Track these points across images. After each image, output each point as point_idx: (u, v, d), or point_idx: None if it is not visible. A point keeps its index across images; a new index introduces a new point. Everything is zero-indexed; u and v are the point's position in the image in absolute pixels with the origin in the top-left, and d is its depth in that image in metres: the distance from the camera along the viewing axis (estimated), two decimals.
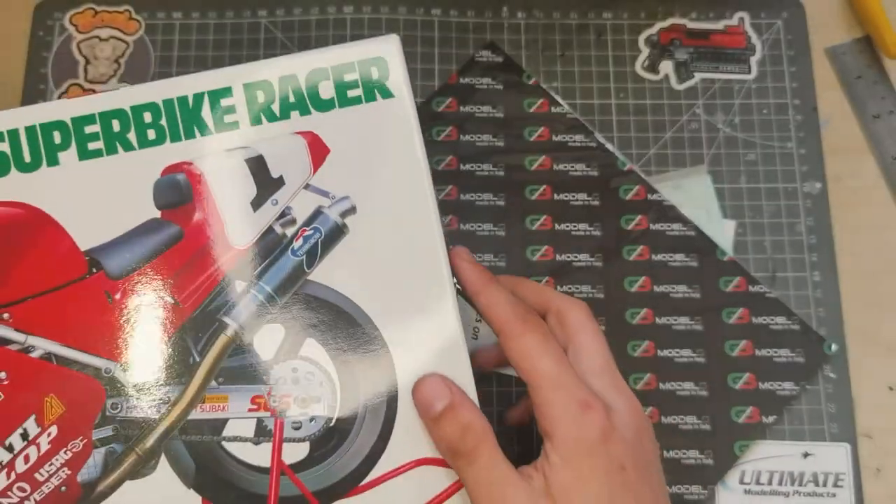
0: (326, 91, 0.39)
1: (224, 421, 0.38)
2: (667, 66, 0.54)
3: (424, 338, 0.38)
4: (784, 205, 0.51)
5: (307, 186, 0.38)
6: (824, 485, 0.47)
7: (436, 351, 0.38)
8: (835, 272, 0.50)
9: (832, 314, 0.50)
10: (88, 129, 0.38)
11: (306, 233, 0.38)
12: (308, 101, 0.39)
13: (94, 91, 0.52)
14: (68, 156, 0.38)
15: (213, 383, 0.38)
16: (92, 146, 0.38)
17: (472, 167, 0.51)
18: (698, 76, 0.54)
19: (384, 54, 0.39)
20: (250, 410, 0.38)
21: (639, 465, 0.35)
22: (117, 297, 0.38)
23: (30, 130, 0.38)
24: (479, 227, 0.50)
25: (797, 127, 0.53)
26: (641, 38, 0.55)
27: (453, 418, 0.35)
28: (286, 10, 0.54)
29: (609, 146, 0.52)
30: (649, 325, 0.48)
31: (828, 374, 0.49)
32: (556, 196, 0.50)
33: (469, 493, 0.35)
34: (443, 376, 0.37)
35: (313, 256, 0.38)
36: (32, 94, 0.52)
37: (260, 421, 0.38)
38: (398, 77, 0.39)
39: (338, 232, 0.38)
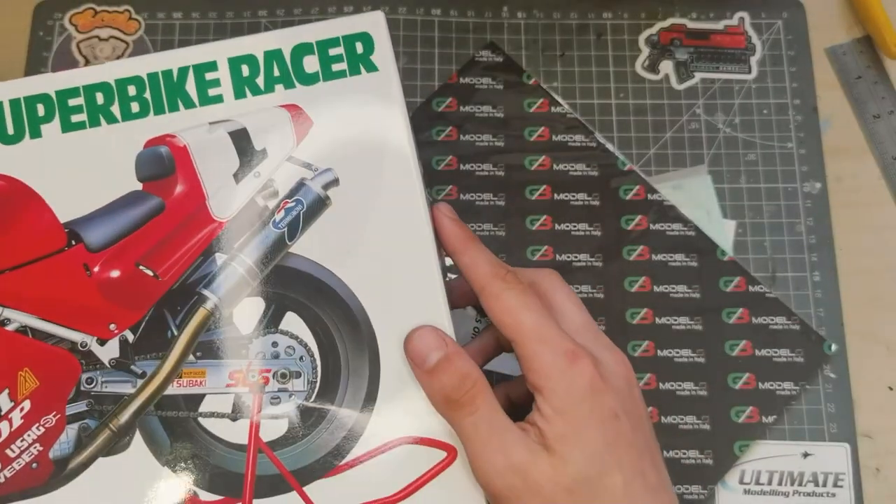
0: (311, 65, 0.39)
1: (201, 396, 0.37)
2: (667, 66, 0.54)
3: (408, 310, 0.37)
4: (784, 205, 0.51)
5: (290, 158, 0.38)
6: (824, 485, 0.47)
7: (419, 319, 0.37)
8: (835, 272, 0.50)
9: (832, 314, 0.50)
10: (72, 102, 0.38)
11: (288, 205, 0.38)
12: (293, 75, 0.39)
13: None
14: (51, 128, 0.38)
15: (191, 358, 0.37)
16: (75, 118, 0.38)
17: (472, 167, 0.51)
18: (698, 76, 0.54)
19: (369, 29, 0.39)
20: (228, 386, 0.37)
21: (631, 415, 0.35)
22: (96, 269, 0.37)
23: (14, 103, 0.38)
24: (479, 227, 0.50)
25: (797, 127, 0.53)
26: (641, 38, 0.55)
27: (449, 367, 0.35)
28: (286, 10, 0.54)
29: (609, 146, 0.52)
30: (649, 325, 0.48)
31: (828, 374, 0.49)
32: (556, 196, 0.50)
33: (465, 444, 0.34)
34: (435, 328, 0.36)
35: (295, 229, 0.38)
36: None
37: (238, 396, 0.37)
38: (383, 51, 0.39)
39: (320, 204, 0.38)
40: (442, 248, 0.38)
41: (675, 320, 0.48)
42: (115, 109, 0.38)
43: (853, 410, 0.48)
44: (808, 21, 0.55)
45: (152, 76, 0.38)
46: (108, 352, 0.37)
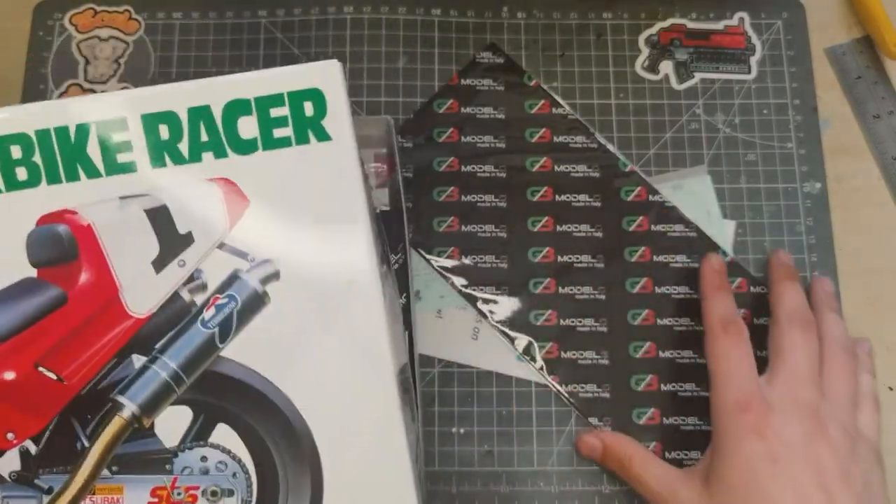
0: (248, 129, 0.32)
1: None
2: (667, 66, 0.54)
3: (358, 427, 0.32)
4: (784, 205, 0.51)
5: (222, 246, 0.32)
6: None
7: (371, 443, 0.32)
8: (835, 272, 0.50)
9: None
10: None
11: (219, 301, 0.32)
12: (225, 141, 0.32)
13: (93, 92, 0.52)
14: None
15: (106, 472, 0.32)
16: None
17: (473, 168, 0.51)
18: (698, 76, 0.54)
19: (321, 85, 0.32)
20: None
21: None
22: None
23: None
24: (481, 228, 0.50)
25: (797, 127, 0.53)
26: (641, 38, 0.55)
27: (610, 453, 0.45)
28: (286, 10, 0.54)
29: (610, 147, 0.52)
30: (651, 326, 0.48)
31: None
32: (557, 197, 0.50)
33: (644, 492, 0.43)
34: (591, 433, 0.46)
35: (227, 329, 0.32)
36: (32, 94, 0.52)
37: None
38: (338, 115, 0.32)
39: (257, 301, 0.32)
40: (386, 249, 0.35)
41: (677, 321, 0.48)
42: None
43: None
44: (808, 21, 0.55)
45: (42, 134, 0.31)
46: (8, 464, 0.32)
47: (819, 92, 0.54)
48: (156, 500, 0.32)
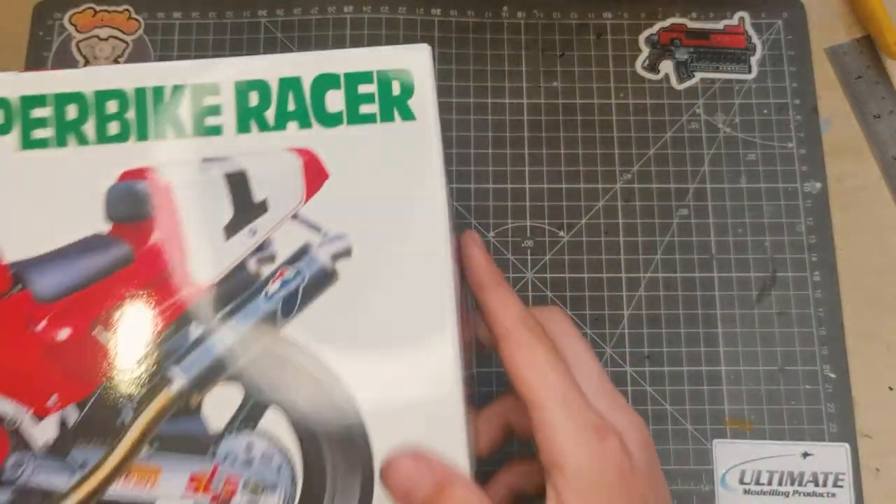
0: (335, 102, 0.32)
1: (151, 503, 0.30)
2: (667, 66, 0.54)
3: (418, 434, 0.30)
4: (784, 205, 0.51)
5: (296, 216, 0.31)
6: (824, 485, 0.47)
7: (429, 445, 0.30)
8: (835, 272, 0.50)
9: (832, 314, 0.50)
10: (37, 113, 0.31)
11: (286, 274, 0.31)
12: (311, 112, 0.32)
13: None
14: (7, 142, 0.31)
15: (145, 451, 0.30)
16: (38, 134, 0.31)
17: None
18: (698, 76, 0.54)
19: (410, 66, 0.32)
20: (187, 491, 0.30)
21: (658, 492, 0.32)
22: (42, 325, 0.30)
23: None
24: None
25: (797, 127, 0.53)
26: (641, 38, 0.55)
27: (446, 500, 0.29)
28: (286, 10, 0.54)
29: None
30: None
31: (828, 374, 0.49)
32: None
33: None
34: (416, 454, 0.30)
35: (291, 305, 0.30)
36: None
37: None
38: (425, 96, 0.32)
39: (325, 278, 0.30)
40: (466, 287, 0.33)
41: None
42: (89, 128, 0.31)
43: (853, 410, 0.48)
44: (809, 21, 0.55)
45: (140, 92, 0.31)
46: (44, 432, 0.30)
47: (819, 92, 0.54)
48: (193, 487, 0.30)
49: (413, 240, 0.31)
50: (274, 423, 0.30)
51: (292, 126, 0.31)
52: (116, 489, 0.30)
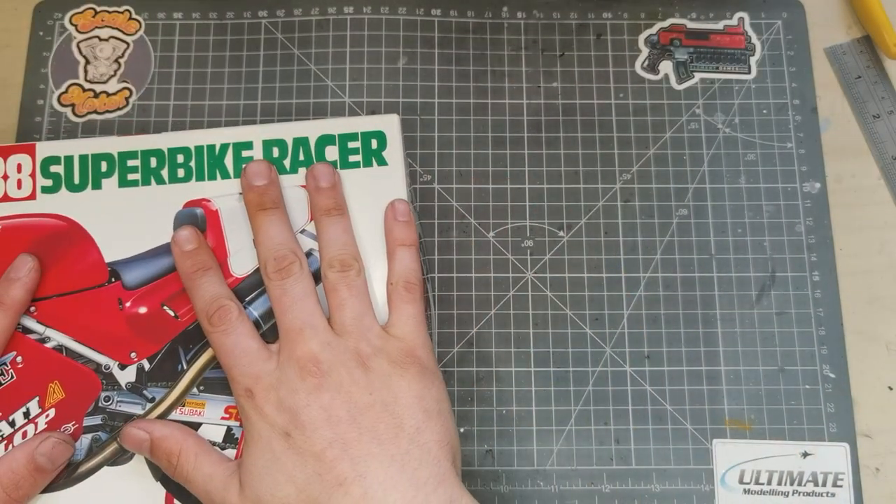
0: (331, 154, 0.46)
1: (198, 425, 0.42)
2: (666, 67, 0.54)
3: None
4: (784, 205, 0.51)
5: (303, 231, 0.44)
6: (824, 485, 0.47)
7: None
8: (834, 272, 0.50)
9: (832, 314, 0.50)
10: (130, 163, 0.46)
11: None
12: (314, 160, 0.46)
13: (93, 92, 0.52)
14: (110, 182, 0.45)
15: (195, 390, 0.43)
16: (131, 177, 0.45)
17: None
18: (698, 76, 0.54)
19: (384, 129, 0.46)
20: (223, 418, 0.42)
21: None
22: (128, 304, 0.44)
23: (82, 158, 0.45)
24: None
25: (797, 127, 0.53)
26: (641, 38, 0.55)
27: (157, 448, 0.40)
28: (286, 11, 0.54)
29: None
30: None
31: (827, 373, 0.49)
32: None
33: (195, 494, 0.40)
34: (135, 422, 0.41)
35: None
36: (32, 93, 0.52)
37: (229, 429, 0.42)
38: (394, 149, 0.46)
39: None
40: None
41: None
42: (165, 173, 0.45)
43: (853, 410, 0.48)
44: (808, 21, 0.55)
45: (198, 148, 0.46)
46: (126, 376, 0.43)
47: (819, 92, 0.54)
48: (228, 415, 0.42)
49: (383, 249, 0.44)
50: None
51: (301, 170, 0.45)
52: (175, 415, 0.43)
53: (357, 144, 0.46)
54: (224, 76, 0.53)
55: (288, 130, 0.46)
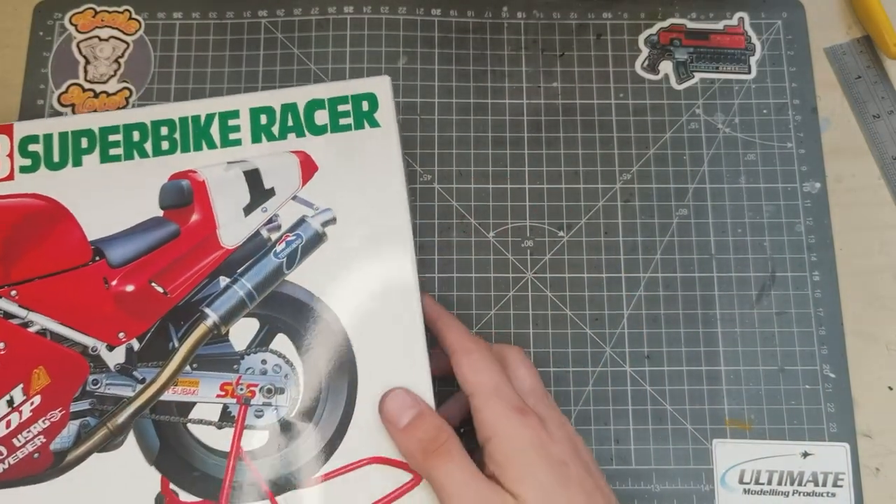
0: (321, 118, 0.44)
1: (192, 404, 0.41)
2: (666, 66, 0.54)
3: (388, 343, 0.41)
4: (783, 205, 0.51)
5: (295, 198, 0.43)
6: (824, 484, 0.47)
7: (398, 356, 0.41)
8: (834, 272, 0.50)
9: (832, 314, 0.50)
10: (112, 138, 0.44)
11: (289, 238, 0.42)
12: (304, 125, 0.44)
13: (93, 91, 0.52)
14: (91, 159, 0.43)
15: (187, 368, 0.41)
16: (113, 152, 0.43)
17: None
18: (698, 76, 0.54)
19: (375, 90, 0.44)
20: (218, 396, 0.41)
21: (579, 463, 0.38)
22: (114, 283, 0.42)
23: (62, 136, 0.44)
24: None
25: (797, 127, 0.53)
26: (641, 38, 0.55)
27: (423, 423, 0.38)
28: (286, 11, 0.54)
29: None
30: None
31: (827, 373, 0.49)
32: None
33: (441, 492, 0.37)
34: (407, 389, 0.40)
35: (293, 259, 0.42)
36: (32, 93, 0.52)
37: (225, 407, 0.41)
38: (386, 110, 0.44)
39: (317, 239, 0.42)
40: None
41: None
42: (148, 146, 0.44)
43: (853, 410, 0.48)
44: (808, 21, 0.55)
45: (183, 119, 0.44)
46: (115, 357, 0.41)
47: (819, 92, 0.54)
48: (223, 393, 0.41)
49: (380, 209, 0.42)
50: (282, 343, 0.41)
51: (291, 136, 0.44)
52: (167, 395, 0.41)
53: (348, 107, 0.44)
54: (224, 76, 0.53)
55: (275, 97, 0.44)
